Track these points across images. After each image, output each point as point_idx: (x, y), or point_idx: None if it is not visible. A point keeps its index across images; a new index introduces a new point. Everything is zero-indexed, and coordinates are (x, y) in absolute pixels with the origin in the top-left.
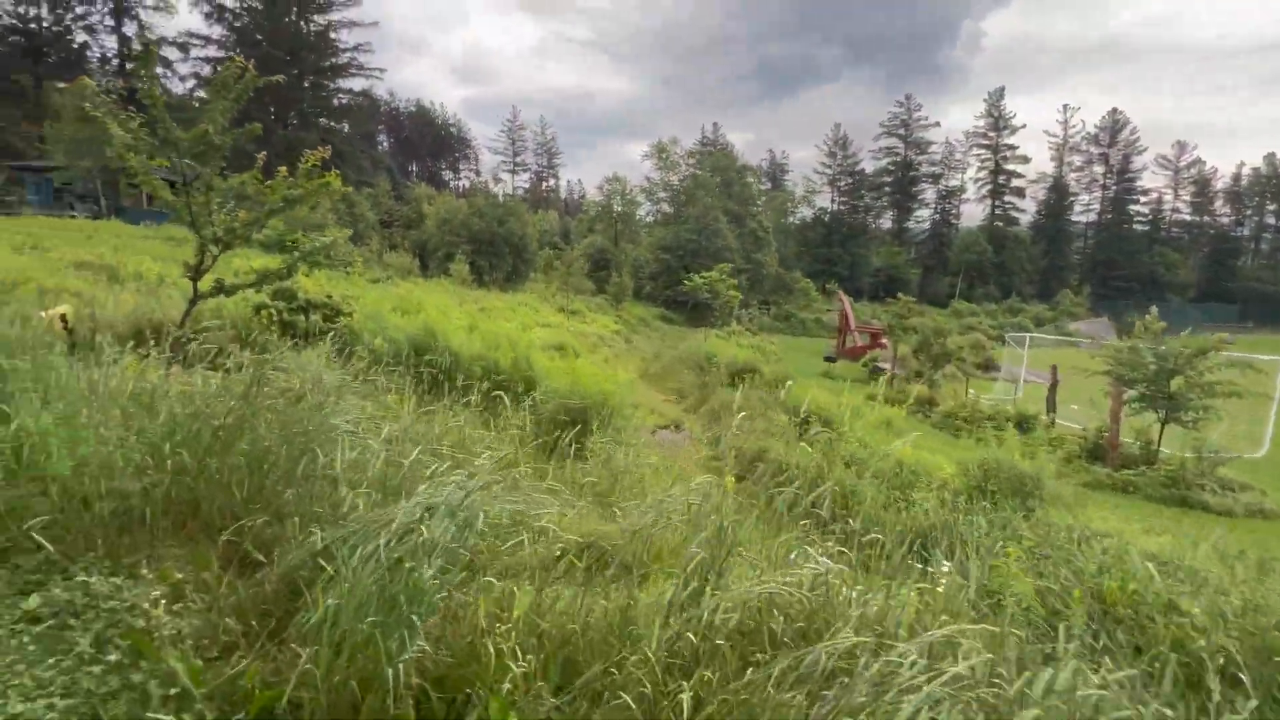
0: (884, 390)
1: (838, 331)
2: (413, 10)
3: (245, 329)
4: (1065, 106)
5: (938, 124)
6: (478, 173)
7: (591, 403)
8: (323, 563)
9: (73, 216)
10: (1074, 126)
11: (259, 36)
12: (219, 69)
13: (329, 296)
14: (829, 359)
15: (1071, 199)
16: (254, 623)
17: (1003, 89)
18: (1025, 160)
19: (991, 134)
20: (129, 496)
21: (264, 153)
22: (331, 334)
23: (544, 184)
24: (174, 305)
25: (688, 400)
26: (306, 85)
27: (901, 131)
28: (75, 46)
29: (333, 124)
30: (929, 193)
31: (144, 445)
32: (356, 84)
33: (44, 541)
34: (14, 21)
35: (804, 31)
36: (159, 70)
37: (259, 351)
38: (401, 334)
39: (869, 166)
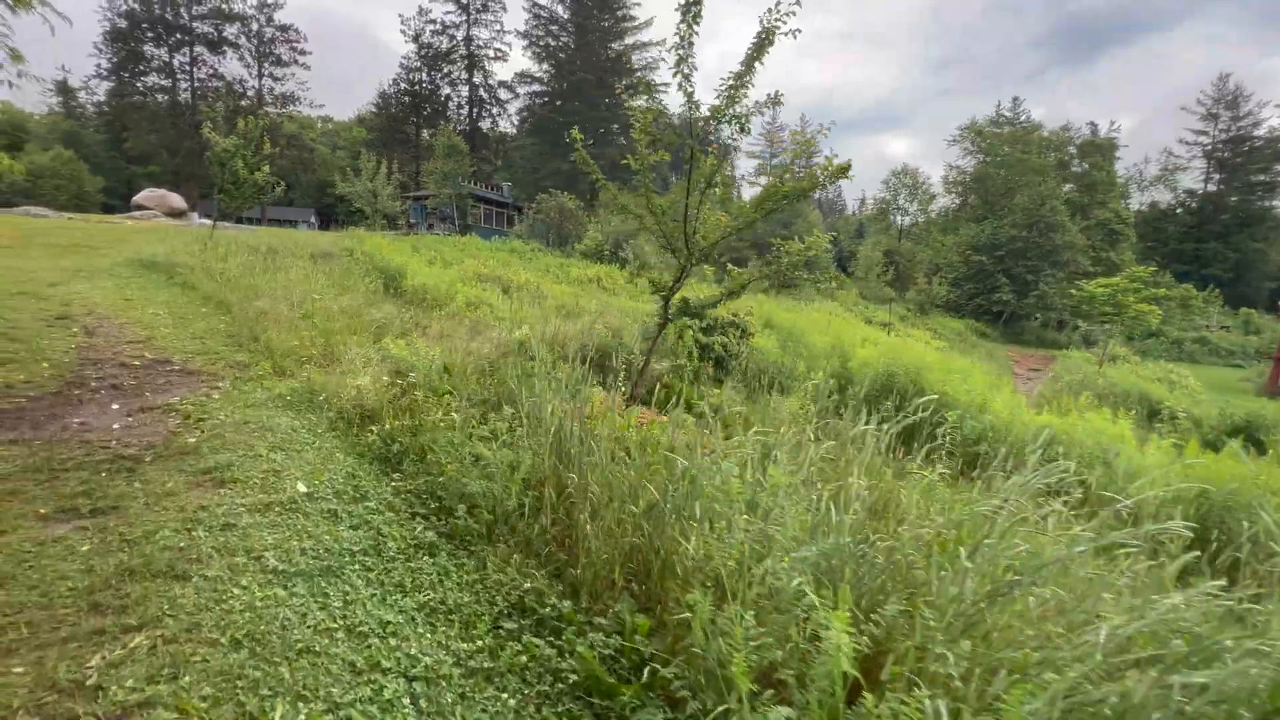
0: None
1: (1276, 362)
2: (669, 36)
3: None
4: None
5: None
6: (731, 179)
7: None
8: None
9: (437, 233)
10: None
11: (572, 68)
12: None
13: (735, 315)
14: None
15: None
16: None
17: None
18: None
19: None
20: None
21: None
22: (743, 360)
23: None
24: (548, 320)
25: None
26: (605, 105)
27: None
28: (441, 99)
29: (624, 140)
30: None
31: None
32: (644, 101)
33: None
34: (405, 85)
35: None
36: (493, 109)
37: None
38: (834, 363)
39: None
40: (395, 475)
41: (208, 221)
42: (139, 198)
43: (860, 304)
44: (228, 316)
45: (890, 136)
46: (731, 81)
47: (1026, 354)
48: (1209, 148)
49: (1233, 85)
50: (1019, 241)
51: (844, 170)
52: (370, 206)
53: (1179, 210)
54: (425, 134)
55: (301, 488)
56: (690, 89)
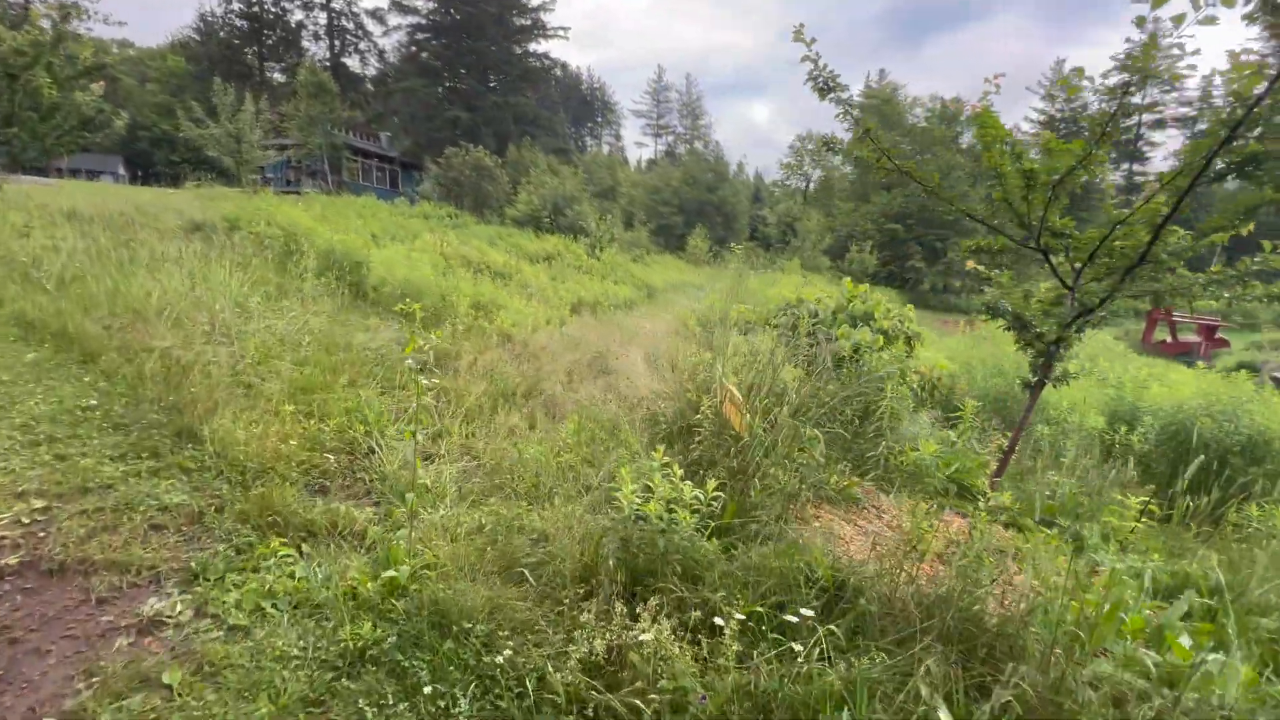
0: None
1: (1148, 321)
2: None
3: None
4: None
5: (1196, 51)
6: (617, 137)
7: None
8: None
9: (310, 191)
10: None
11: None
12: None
13: (901, 321)
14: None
15: None
16: None
17: None
18: None
19: None
20: None
21: None
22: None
23: (688, 146)
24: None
25: None
26: (496, 49)
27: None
28: (292, 25)
29: (526, 89)
30: (1172, 141)
31: None
32: (542, 46)
33: None
34: (240, 6)
35: None
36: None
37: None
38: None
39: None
40: None
41: None
42: None
43: (801, 274)
44: (93, 372)
45: (753, 102)
46: None
47: (942, 318)
48: (1050, 126)
49: (1067, 69)
50: (927, 210)
51: None
52: (233, 157)
53: None
54: (269, 69)
55: None
56: None
